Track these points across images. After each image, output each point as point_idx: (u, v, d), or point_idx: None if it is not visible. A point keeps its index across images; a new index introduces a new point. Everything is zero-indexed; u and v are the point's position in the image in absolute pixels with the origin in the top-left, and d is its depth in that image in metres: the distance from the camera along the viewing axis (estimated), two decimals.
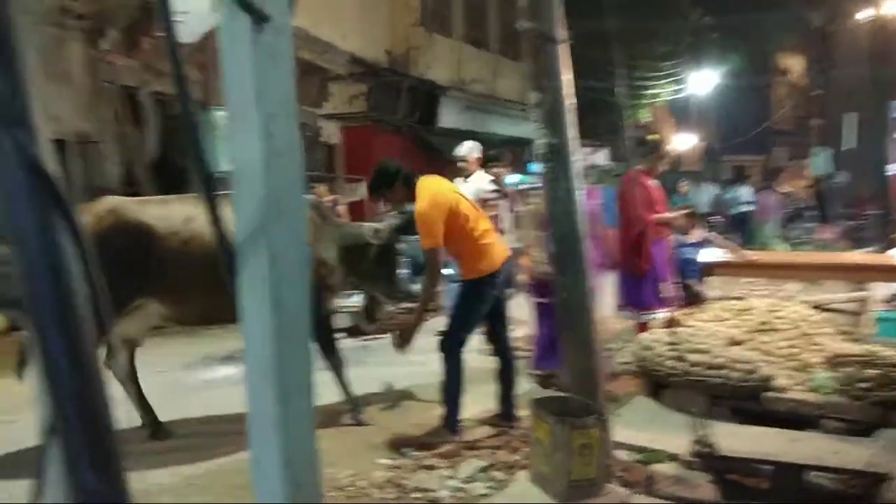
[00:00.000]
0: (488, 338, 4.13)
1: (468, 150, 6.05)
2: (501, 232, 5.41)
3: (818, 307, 5.51)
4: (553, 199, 3.26)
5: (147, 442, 3.82)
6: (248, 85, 1.07)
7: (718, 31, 19.56)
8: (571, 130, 3.20)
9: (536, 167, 5.24)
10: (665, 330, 4.52)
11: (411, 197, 3.75)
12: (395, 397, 4.62)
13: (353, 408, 4.14)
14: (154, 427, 3.93)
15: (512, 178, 7.81)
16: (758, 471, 3.07)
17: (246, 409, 1.14)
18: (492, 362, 4.08)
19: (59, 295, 0.81)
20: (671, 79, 18.57)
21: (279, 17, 1.08)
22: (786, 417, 3.60)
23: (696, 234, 6.40)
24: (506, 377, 4.00)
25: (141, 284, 3.56)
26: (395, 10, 13.36)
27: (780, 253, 9.85)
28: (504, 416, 3.98)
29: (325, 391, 3.96)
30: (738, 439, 3.14)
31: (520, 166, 11.76)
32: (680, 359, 3.97)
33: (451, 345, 3.75)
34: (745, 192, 14.14)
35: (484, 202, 5.74)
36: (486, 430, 3.88)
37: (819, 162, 17.93)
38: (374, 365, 5.29)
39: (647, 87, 18.12)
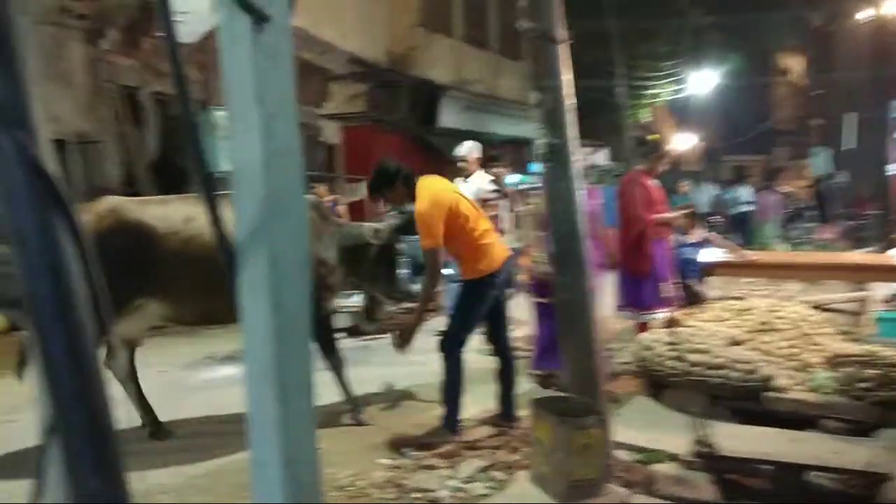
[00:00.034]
0: (488, 338, 4.13)
1: (468, 149, 6.05)
2: (501, 232, 5.41)
3: (818, 307, 5.52)
4: (553, 199, 3.26)
5: (147, 442, 3.82)
6: (249, 85, 1.07)
7: (718, 30, 19.55)
8: (571, 130, 3.20)
9: (536, 167, 5.23)
10: (665, 330, 4.52)
11: (411, 197, 3.75)
12: (395, 397, 4.62)
13: (353, 408, 4.14)
14: (154, 427, 3.93)
15: (512, 178, 7.82)
16: (758, 471, 3.07)
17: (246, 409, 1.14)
18: (492, 362, 4.08)
19: (60, 295, 0.81)
20: (671, 79, 18.56)
21: (279, 16, 1.08)
22: (786, 417, 3.60)
23: (696, 234, 6.40)
24: (506, 377, 4.00)
25: (141, 284, 3.56)
26: (396, 10, 13.36)
27: (781, 253, 9.86)
28: (504, 416, 3.97)
29: (326, 391, 3.96)
30: (738, 439, 3.14)
31: (520, 166, 11.76)
32: (680, 359, 3.97)
33: (451, 345, 3.75)
34: (744, 193, 14.14)
35: (484, 202, 5.75)
36: (486, 430, 3.87)
37: (819, 162, 17.95)
38: (374, 365, 5.29)
39: (647, 87, 18.12)
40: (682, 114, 20.94)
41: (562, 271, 3.28)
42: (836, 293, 6.49)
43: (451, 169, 6.17)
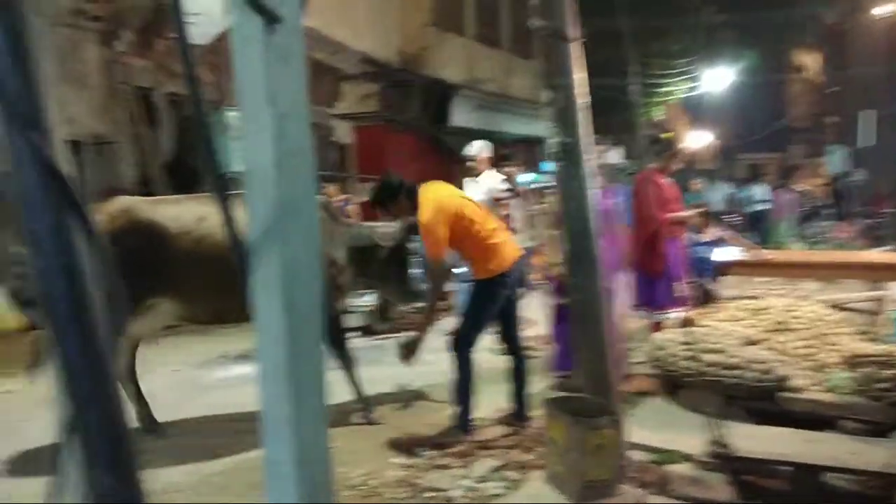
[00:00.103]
0: (500, 337, 4.13)
1: (478, 149, 6.04)
2: (513, 231, 5.40)
3: (835, 306, 5.45)
4: (566, 198, 3.25)
5: (161, 440, 3.83)
6: (261, 85, 1.07)
7: (732, 28, 19.38)
8: (585, 129, 3.19)
9: (549, 166, 5.21)
10: (680, 329, 4.49)
11: (414, 208, 3.76)
12: (407, 397, 4.63)
13: (364, 407, 4.15)
14: (150, 424, 3.93)
15: (525, 177, 7.80)
16: (774, 472, 3.04)
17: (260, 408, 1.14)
18: (504, 361, 4.07)
19: (74, 296, 0.82)
20: (685, 76, 18.42)
21: (291, 17, 1.08)
22: (802, 418, 3.56)
23: (711, 233, 6.36)
24: (518, 376, 4.00)
25: (153, 284, 3.58)
26: (407, 10, 13.36)
27: (797, 252, 9.76)
28: (517, 416, 3.97)
29: (337, 390, 3.97)
30: (753, 440, 3.11)
31: (532, 165, 11.73)
32: (695, 359, 3.94)
33: (463, 344, 3.75)
34: (759, 191, 14.04)
35: (496, 201, 5.74)
36: (499, 430, 3.87)
37: (835, 160, 17.78)
38: (387, 364, 5.28)
39: (660, 85, 17.99)
40: (696, 111, 20.80)
41: (575, 271, 3.26)
42: (854, 292, 6.42)
43: (463, 168, 6.17)
